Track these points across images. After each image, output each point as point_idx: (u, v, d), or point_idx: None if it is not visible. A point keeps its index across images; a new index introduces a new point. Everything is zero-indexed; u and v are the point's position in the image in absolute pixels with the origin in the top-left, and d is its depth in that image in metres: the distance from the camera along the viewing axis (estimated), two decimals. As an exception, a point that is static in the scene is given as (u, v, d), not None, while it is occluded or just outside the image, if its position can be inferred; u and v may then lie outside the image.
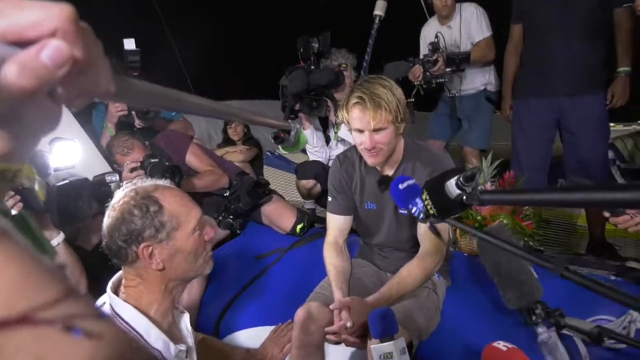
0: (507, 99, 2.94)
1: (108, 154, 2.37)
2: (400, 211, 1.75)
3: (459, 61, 2.92)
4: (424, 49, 3.22)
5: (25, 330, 0.26)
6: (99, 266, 1.47)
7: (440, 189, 0.86)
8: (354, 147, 1.81)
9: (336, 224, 1.86)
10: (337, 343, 1.58)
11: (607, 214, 1.55)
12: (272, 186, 2.73)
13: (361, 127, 1.58)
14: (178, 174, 2.17)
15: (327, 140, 2.83)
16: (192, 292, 2.14)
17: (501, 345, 1.21)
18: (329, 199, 1.88)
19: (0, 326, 0.25)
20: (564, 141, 2.72)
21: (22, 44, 0.27)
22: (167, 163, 2.16)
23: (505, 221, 2.11)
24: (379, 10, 2.97)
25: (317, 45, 2.54)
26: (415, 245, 1.77)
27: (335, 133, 2.72)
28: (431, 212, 0.89)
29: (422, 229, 1.69)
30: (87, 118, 2.69)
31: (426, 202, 0.89)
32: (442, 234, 1.69)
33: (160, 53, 4.61)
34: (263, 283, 2.24)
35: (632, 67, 2.52)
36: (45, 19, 0.27)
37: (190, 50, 4.92)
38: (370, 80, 1.61)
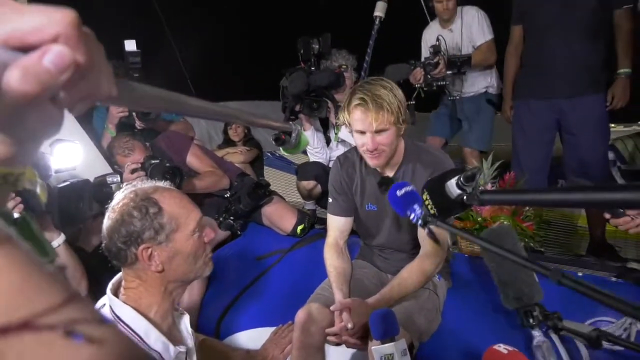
0: (508, 99, 2.94)
1: (109, 155, 2.37)
2: (400, 212, 1.75)
3: (460, 64, 2.92)
4: (425, 52, 3.22)
5: (27, 336, 0.26)
6: (99, 267, 1.47)
7: (440, 189, 0.86)
8: (355, 149, 1.81)
9: (337, 225, 1.86)
10: (337, 344, 1.58)
11: (607, 216, 1.55)
12: (272, 187, 2.73)
13: (363, 129, 1.58)
14: (179, 175, 2.17)
15: (328, 141, 2.83)
16: (192, 293, 2.14)
17: (502, 348, 1.21)
18: (330, 200, 1.88)
19: (2, 332, 0.25)
20: (564, 142, 2.72)
21: (25, 49, 0.27)
22: (167, 164, 2.16)
23: (505, 222, 2.10)
24: (379, 11, 2.97)
25: (317, 46, 2.54)
26: (415, 247, 1.77)
27: (336, 134, 2.73)
28: (432, 212, 0.89)
29: (422, 229, 1.69)
30: (88, 119, 2.69)
31: (427, 202, 0.89)
32: (443, 235, 1.69)
33: (160, 53, 4.61)
34: (263, 284, 2.24)
35: (632, 68, 2.52)
36: (47, 24, 0.28)
37: (190, 51, 4.92)
38: (371, 82, 1.61)
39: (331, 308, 1.57)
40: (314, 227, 2.60)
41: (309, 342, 1.57)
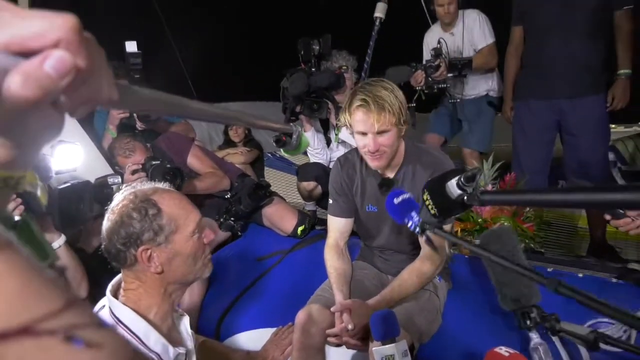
0: (508, 100, 2.94)
1: (110, 156, 2.37)
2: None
3: (461, 67, 2.92)
4: (426, 55, 3.22)
5: (27, 341, 0.26)
6: (100, 268, 1.47)
7: (441, 189, 0.86)
8: (355, 150, 1.81)
9: (337, 226, 1.86)
10: (338, 345, 1.58)
11: (607, 217, 1.55)
12: (273, 188, 2.73)
13: (365, 130, 1.58)
14: (179, 176, 2.17)
15: (328, 142, 2.83)
16: (193, 294, 2.14)
17: (503, 350, 1.21)
18: (330, 201, 1.88)
19: (2, 337, 0.26)
20: (564, 143, 2.72)
21: (26, 54, 0.28)
22: (168, 166, 2.17)
23: (506, 223, 2.11)
24: (380, 12, 2.97)
25: (317, 47, 2.54)
26: (416, 248, 1.77)
27: (336, 135, 2.73)
28: (432, 212, 0.89)
29: (423, 231, 1.69)
30: (89, 120, 2.69)
31: (427, 203, 0.89)
32: (441, 242, 1.69)
33: (160, 53, 4.61)
34: (264, 285, 2.24)
35: (633, 69, 2.52)
36: (48, 29, 0.28)
37: (191, 51, 4.92)
38: (372, 83, 1.61)
39: (332, 309, 1.57)
40: (314, 228, 2.60)
41: (309, 343, 1.57)
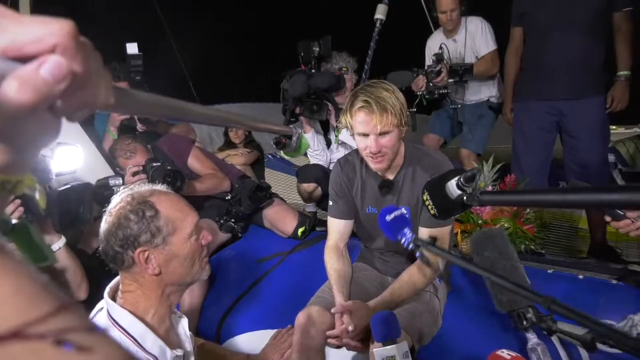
0: (508, 102, 2.94)
1: (111, 158, 2.37)
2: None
3: (462, 72, 2.93)
4: (428, 61, 3.22)
5: (17, 345, 0.26)
6: (100, 269, 1.47)
7: (441, 190, 0.86)
8: (355, 151, 1.81)
9: (337, 228, 1.86)
10: (338, 347, 1.58)
11: (608, 219, 1.54)
12: (273, 189, 2.73)
13: (367, 131, 1.58)
14: (179, 178, 2.17)
15: (328, 143, 2.83)
16: (193, 295, 2.14)
17: (505, 353, 1.20)
18: (330, 203, 1.88)
19: None
20: (564, 144, 2.71)
21: (23, 59, 0.28)
22: (169, 167, 2.17)
23: (506, 225, 2.10)
24: (380, 14, 2.97)
25: (317, 48, 2.54)
26: (416, 249, 1.76)
27: (336, 136, 2.72)
28: (432, 212, 0.89)
29: (423, 233, 1.69)
30: (90, 121, 2.70)
31: (427, 203, 0.90)
32: (444, 239, 1.69)
33: (160, 54, 4.62)
34: (264, 286, 2.24)
35: (632, 70, 2.51)
36: (45, 35, 0.28)
37: (191, 51, 4.93)
38: (373, 85, 1.61)
39: (332, 310, 1.57)
40: (314, 230, 2.60)
41: (310, 344, 1.57)
